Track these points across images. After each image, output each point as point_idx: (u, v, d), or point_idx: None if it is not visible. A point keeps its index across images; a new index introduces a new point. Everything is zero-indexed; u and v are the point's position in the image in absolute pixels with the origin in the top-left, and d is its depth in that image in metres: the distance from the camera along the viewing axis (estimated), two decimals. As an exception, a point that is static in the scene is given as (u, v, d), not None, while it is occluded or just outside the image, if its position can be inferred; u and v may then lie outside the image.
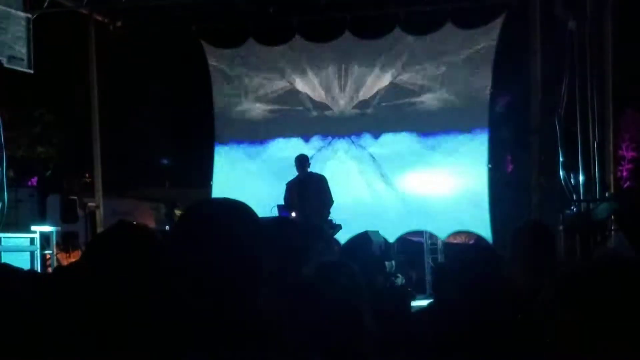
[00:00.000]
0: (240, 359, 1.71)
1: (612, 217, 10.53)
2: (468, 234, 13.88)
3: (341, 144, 14.04)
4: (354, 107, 14.05)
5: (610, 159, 11.95)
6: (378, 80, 13.86)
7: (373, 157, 13.86)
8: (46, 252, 12.15)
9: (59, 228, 12.96)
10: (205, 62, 15.09)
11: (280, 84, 14.31)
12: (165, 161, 17.81)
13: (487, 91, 13.54)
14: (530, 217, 11.93)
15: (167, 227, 13.14)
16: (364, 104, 14.00)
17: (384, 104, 13.90)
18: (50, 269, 11.77)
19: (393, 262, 9.89)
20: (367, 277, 3.46)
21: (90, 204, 14.38)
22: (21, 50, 11.49)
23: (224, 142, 15.01)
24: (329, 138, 14.12)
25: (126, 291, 1.63)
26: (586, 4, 11.64)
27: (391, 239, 13.27)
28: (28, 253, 11.42)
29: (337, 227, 10.81)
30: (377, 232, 12.27)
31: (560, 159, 11.91)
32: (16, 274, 2.97)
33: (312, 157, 12.22)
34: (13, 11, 11.42)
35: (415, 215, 13.64)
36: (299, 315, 2.51)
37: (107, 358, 1.72)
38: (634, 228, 9.26)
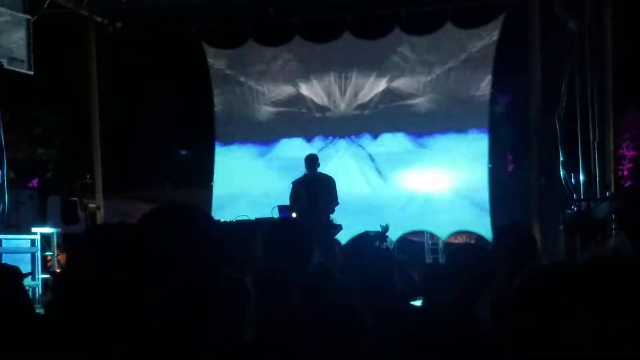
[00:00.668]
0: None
1: (613, 216, 10.54)
2: (469, 233, 13.88)
3: (341, 144, 14.08)
4: (354, 109, 14.09)
5: (611, 158, 11.96)
6: (374, 86, 13.95)
7: (372, 157, 13.93)
8: (47, 253, 12.16)
9: (60, 229, 12.95)
10: (206, 62, 15.10)
11: (286, 89, 14.36)
12: (165, 162, 17.82)
13: (487, 91, 13.55)
14: (530, 216, 11.95)
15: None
16: (362, 106, 14.05)
17: (381, 106, 13.96)
18: (51, 271, 11.79)
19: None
20: (382, 272, 3.47)
21: (91, 205, 14.38)
22: (21, 51, 11.49)
23: (225, 143, 15.03)
24: (330, 138, 14.16)
25: (108, 292, 1.64)
26: (586, 4, 11.65)
27: (392, 238, 13.30)
28: (29, 255, 11.42)
29: (338, 228, 10.82)
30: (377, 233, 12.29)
31: (561, 159, 11.92)
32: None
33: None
34: (13, 12, 11.42)
35: (416, 215, 13.66)
36: (302, 313, 2.52)
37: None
38: (634, 227, 9.27)
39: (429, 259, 13.56)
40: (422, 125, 13.87)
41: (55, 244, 12.26)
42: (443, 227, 13.58)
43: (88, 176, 14.98)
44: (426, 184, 13.71)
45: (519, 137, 13.57)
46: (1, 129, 11.34)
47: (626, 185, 18.66)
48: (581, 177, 11.97)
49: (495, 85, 13.57)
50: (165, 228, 1.97)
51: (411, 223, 13.68)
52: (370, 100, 14.03)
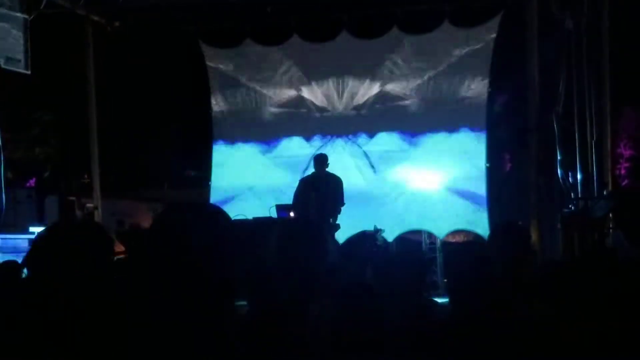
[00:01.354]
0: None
1: (610, 215, 10.55)
2: (467, 232, 13.87)
3: (339, 143, 14.13)
4: (351, 109, 14.15)
5: (608, 157, 11.98)
6: (369, 89, 14.05)
7: (367, 155, 13.99)
8: (44, 253, 12.12)
9: (58, 229, 12.91)
10: (203, 62, 15.08)
11: (287, 92, 14.43)
12: (163, 162, 17.80)
13: (485, 90, 13.55)
14: (528, 215, 11.95)
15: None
16: (358, 107, 14.10)
17: (377, 106, 14.01)
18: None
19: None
20: (419, 277, 3.51)
21: (88, 204, 14.35)
22: (18, 51, 11.47)
23: (223, 142, 15.03)
24: (328, 137, 14.20)
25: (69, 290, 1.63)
26: (583, 2, 11.67)
27: (389, 238, 13.29)
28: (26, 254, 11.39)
29: (336, 227, 10.83)
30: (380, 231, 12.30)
31: (558, 158, 11.93)
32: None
33: (308, 164, 12.87)
34: (10, 12, 11.41)
35: (413, 214, 13.67)
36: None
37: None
38: (632, 226, 9.28)
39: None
40: (418, 124, 13.88)
41: (52, 243, 12.22)
42: (441, 226, 13.58)
43: (86, 176, 14.95)
44: (423, 183, 13.72)
45: (517, 136, 13.56)
46: (-2, 129, 11.33)
47: (623, 184, 18.67)
48: (579, 176, 11.99)
49: (492, 84, 13.57)
50: (184, 227, 1.96)
51: (409, 222, 13.68)
52: (366, 101, 14.08)
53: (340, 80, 14.12)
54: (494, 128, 13.86)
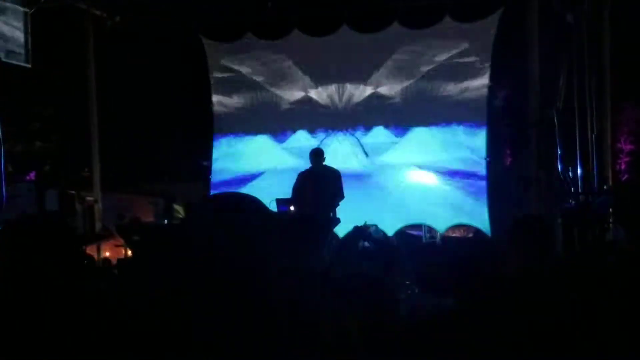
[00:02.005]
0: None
1: (611, 210, 10.56)
2: (467, 227, 13.89)
3: (339, 136, 14.24)
4: (351, 107, 14.26)
5: (609, 152, 11.99)
6: (364, 91, 14.27)
7: (364, 146, 14.10)
8: (45, 246, 12.12)
9: (58, 223, 12.91)
10: (204, 56, 15.10)
11: (294, 92, 14.55)
12: (163, 156, 17.79)
13: (485, 85, 13.56)
14: (528, 210, 11.95)
15: (166, 222, 13.13)
16: (357, 104, 14.33)
17: (374, 102, 14.17)
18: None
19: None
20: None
21: (88, 198, 14.36)
22: (19, 44, 11.47)
23: (223, 136, 15.08)
24: (329, 131, 14.30)
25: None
26: (584, -3, 11.66)
27: (390, 232, 13.33)
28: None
29: (336, 221, 10.84)
30: (375, 226, 12.34)
31: (559, 152, 11.93)
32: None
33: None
34: (11, 5, 11.41)
35: (414, 208, 13.69)
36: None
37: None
38: (632, 221, 9.28)
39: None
40: (417, 119, 13.91)
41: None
42: (441, 221, 13.60)
43: (86, 169, 14.96)
44: (424, 177, 13.74)
45: (517, 130, 13.56)
46: (-1, 122, 11.34)
47: (624, 179, 18.65)
48: (579, 171, 11.99)
49: (493, 79, 13.57)
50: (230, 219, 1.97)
51: (409, 216, 13.71)
52: (363, 99, 14.22)
53: (341, 86, 14.35)
54: (494, 122, 13.86)
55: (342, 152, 13.97)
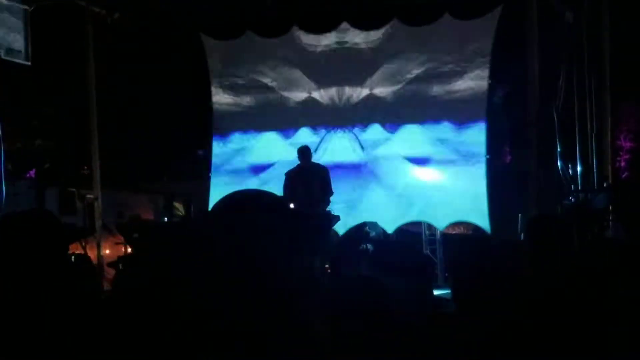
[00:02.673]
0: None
1: (610, 207, 10.56)
2: (467, 224, 13.90)
3: (339, 133, 14.34)
4: (349, 106, 14.41)
5: (608, 150, 11.99)
6: (361, 94, 14.43)
7: (361, 142, 14.20)
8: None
9: (58, 220, 12.90)
10: (204, 54, 15.10)
11: (298, 93, 14.67)
12: (163, 153, 17.79)
13: (485, 82, 13.56)
14: (528, 207, 11.95)
15: (166, 219, 13.14)
16: (356, 104, 14.49)
17: (371, 101, 14.23)
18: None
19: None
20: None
21: (88, 195, 14.35)
22: (19, 42, 11.47)
23: (223, 134, 15.10)
24: (329, 128, 14.39)
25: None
26: (583, -5, 11.66)
27: (389, 229, 13.35)
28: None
29: (335, 219, 10.86)
30: (375, 223, 12.37)
31: (558, 150, 11.93)
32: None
33: (318, 145, 14.09)
34: (10, 3, 11.40)
35: (413, 205, 13.70)
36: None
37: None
38: (631, 218, 9.29)
39: (426, 250, 13.59)
40: (417, 116, 13.93)
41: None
42: (440, 218, 13.61)
43: (86, 167, 14.97)
44: (424, 175, 13.75)
45: (517, 128, 13.56)
46: (-2, 120, 11.34)
47: (623, 176, 18.67)
48: (579, 168, 11.99)
49: (492, 76, 13.58)
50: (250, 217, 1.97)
51: (408, 214, 13.72)
52: (361, 99, 14.31)
53: (341, 89, 14.57)
54: (494, 120, 13.86)
55: (341, 146, 14.37)
